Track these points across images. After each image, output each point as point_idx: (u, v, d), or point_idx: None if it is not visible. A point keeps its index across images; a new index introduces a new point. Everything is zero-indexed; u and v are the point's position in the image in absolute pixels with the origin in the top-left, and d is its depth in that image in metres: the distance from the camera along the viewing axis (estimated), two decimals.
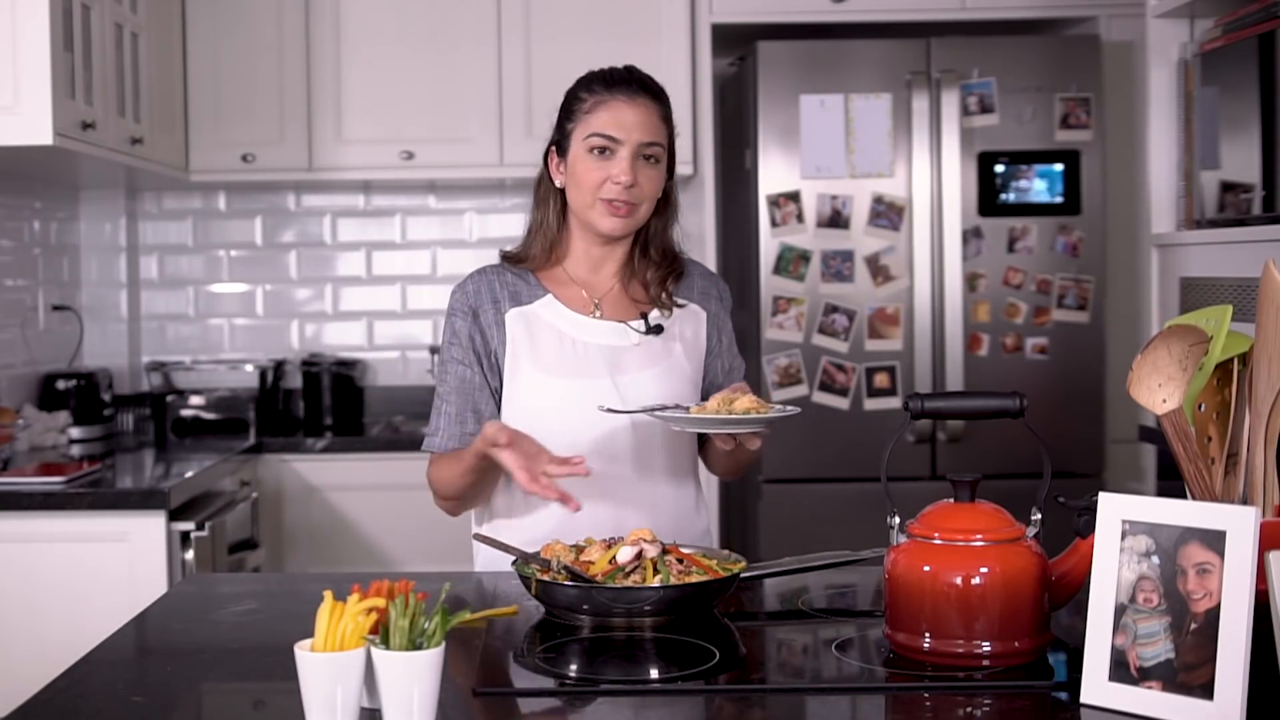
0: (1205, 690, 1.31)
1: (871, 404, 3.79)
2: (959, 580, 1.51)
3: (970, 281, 3.80)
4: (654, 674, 1.58)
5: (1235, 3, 2.79)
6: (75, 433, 3.82)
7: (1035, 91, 3.79)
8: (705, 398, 2.12)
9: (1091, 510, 1.45)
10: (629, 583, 1.70)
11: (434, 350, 4.32)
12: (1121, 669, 1.37)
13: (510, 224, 4.37)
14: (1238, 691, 1.30)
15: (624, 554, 1.73)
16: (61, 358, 4.09)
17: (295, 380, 4.29)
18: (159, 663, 1.69)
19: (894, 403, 3.78)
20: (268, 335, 4.40)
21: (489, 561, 2.09)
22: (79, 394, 3.87)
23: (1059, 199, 3.80)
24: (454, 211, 4.43)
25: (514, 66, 4.00)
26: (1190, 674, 1.33)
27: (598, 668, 1.59)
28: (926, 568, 1.53)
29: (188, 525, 3.05)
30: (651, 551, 1.74)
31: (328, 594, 1.32)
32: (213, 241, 4.41)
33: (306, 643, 1.31)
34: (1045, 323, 3.81)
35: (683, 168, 3.87)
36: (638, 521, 2.02)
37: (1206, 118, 2.88)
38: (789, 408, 1.90)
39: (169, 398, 4.07)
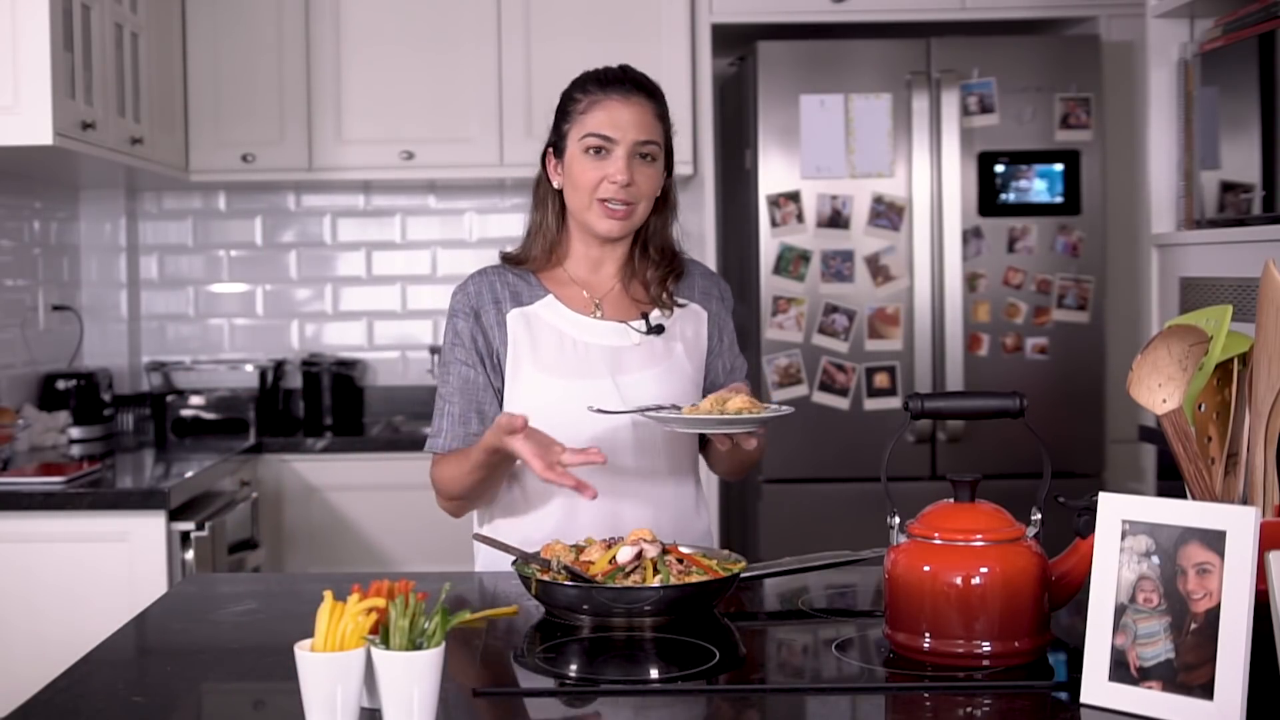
0: (1205, 690, 1.31)
1: (871, 404, 3.79)
2: (959, 580, 1.51)
3: (970, 281, 3.80)
4: (654, 674, 1.58)
5: (1235, 3, 2.79)
6: (75, 433, 3.82)
7: (1035, 91, 3.79)
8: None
9: (1091, 510, 1.45)
10: (629, 583, 1.70)
11: (434, 350, 4.33)
12: (1121, 669, 1.37)
13: (510, 224, 4.37)
14: (1238, 691, 1.30)
15: (624, 554, 1.73)
16: (61, 358, 4.09)
17: (295, 380, 4.29)
18: (159, 663, 1.69)
19: (894, 403, 3.78)
20: (268, 335, 4.40)
21: (489, 561, 2.09)
22: (79, 394, 3.87)
23: (1059, 199, 3.80)
24: (454, 211, 4.43)
25: (514, 66, 4.00)
26: (1190, 674, 1.33)
27: (598, 668, 1.59)
28: (926, 568, 1.53)
29: (188, 525, 3.05)
30: (651, 551, 1.74)
31: (328, 594, 1.32)
32: (213, 241, 4.41)
33: (306, 643, 1.31)
34: (1045, 323, 3.81)
35: (683, 168, 3.89)
36: (638, 521, 2.02)
37: (1206, 118, 2.88)
38: (783, 407, 1.90)
39: (169, 398, 4.07)
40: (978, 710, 1.41)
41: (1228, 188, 2.81)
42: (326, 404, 4.21)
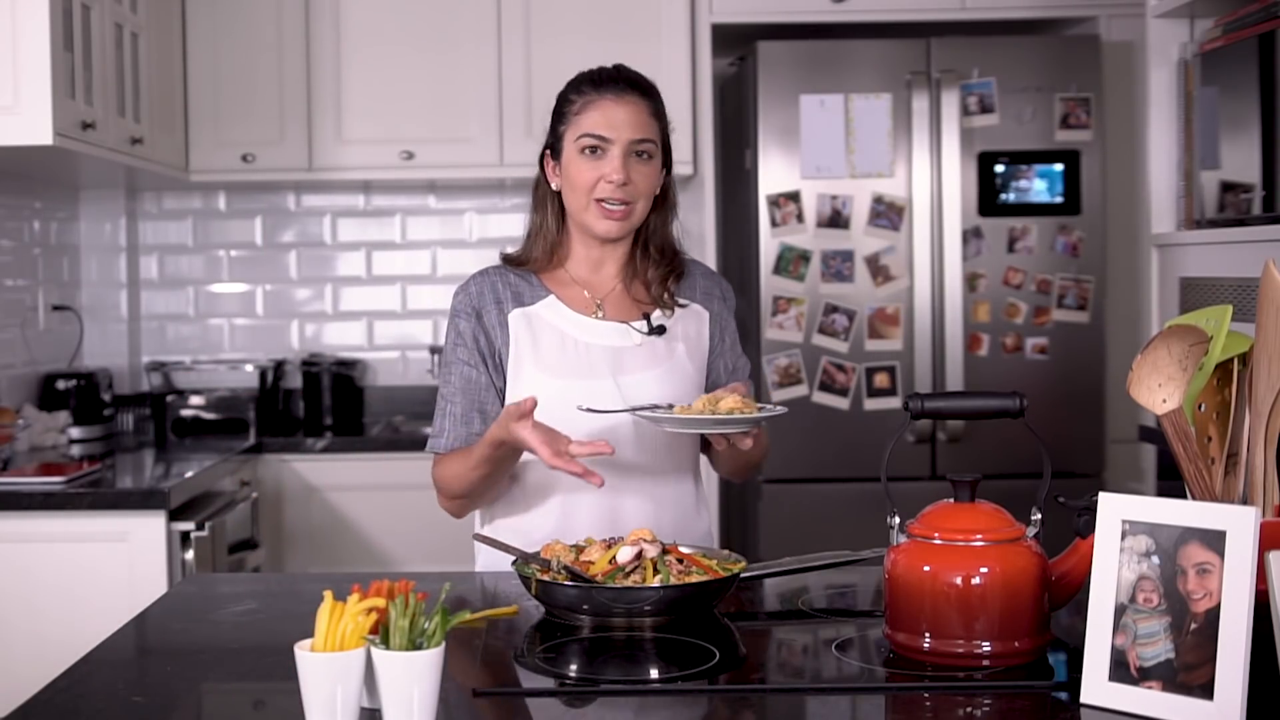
0: (1205, 690, 1.31)
1: (871, 404, 3.79)
2: (959, 580, 1.51)
3: (970, 281, 3.80)
4: (654, 674, 1.58)
5: (1235, 3, 2.79)
6: (75, 433, 3.82)
7: (1035, 91, 3.79)
8: None
9: (1091, 510, 1.45)
10: (629, 583, 1.70)
11: (434, 350, 4.33)
12: (1121, 669, 1.37)
13: (510, 224, 4.37)
14: (1238, 691, 1.30)
15: (624, 554, 1.73)
16: (61, 358, 4.09)
17: (295, 380, 4.30)
18: (159, 663, 1.69)
19: (894, 403, 3.78)
20: (268, 335, 4.41)
21: (489, 562, 2.09)
22: (79, 394, 3.87)
23: (1059, 199, 3.80)
24: (454, 211, 4.43)
25: (514, 66, 4.00)
26: (1190, 674, 1.33)
27: (598, 668, 1.59)
28: (926, 568, 1.53)
29: (188, 525, 3.05)
30: (651, 551, 1.74)
31: (328, 594, 1.32)
32: (213, 241, 4.41)
33: (306, 643, 1.31)
34: (1045, 323, 3.81)
35: (683, 168, 3.89)
36: (639, 521, 2.02)
37: (1206, 118, 2.88)
38: (776, 407, 1.90)
39: (169, 398, 4.07)
40: (978, 710, 1.41)
41: (1228, 188, 2.81)
42: (326, 404, 4.21)
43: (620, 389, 2.03)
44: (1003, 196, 3.80)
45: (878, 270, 3.78)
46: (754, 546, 3.84)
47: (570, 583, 1.69)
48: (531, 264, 2.13)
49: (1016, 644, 1.51)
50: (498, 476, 2.02)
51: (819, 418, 3.78)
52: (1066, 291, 3.81)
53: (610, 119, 2.04)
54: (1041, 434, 1.66)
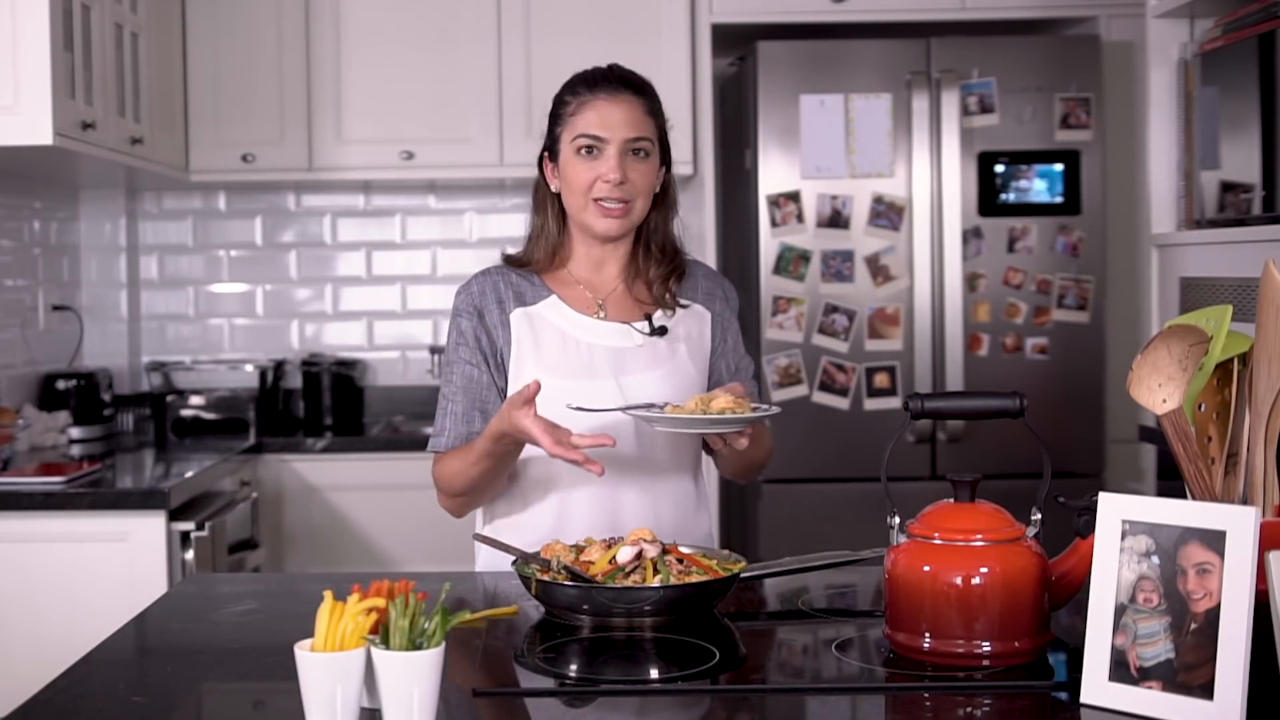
0: (1205, 690, 1.31)
1: (871, 404, 3.79)
2: (959, 580, 1.51)
3: (970, 281, 3.80)
4: (654, 674, 1.58)
5: (1235, 3, 2.79)
6: (75, 433, 3.82)
7: (1035, 91, 3.79)
8: None
9: (1091, 510, 1.45)
10: (629, 583, 1.70)
11: (434, 350, 4.33)
12: (1121, 669, 1.37)
13: (510, 224, 4.37)
14: (1238, 691, 1.30)
15: (624, 554, 1.73)
16: (61, 358, 4.09)
17: (295, 380, 4.30)
18: (159, 663, 1.69)
19: (894, 403, 3.78)
20: (268, 335, 4.41)
21: (489, 562, 2.09)
22: (79, 394, 3.87)
23: (1059, 199, 3.80)
24: (454, 211, 4.43)
25: (514, 66, 4.00)
26: (1190, 674, 1.33)
27: (598, 668, 1.59)
28: (926, 568, 1.53)
29: (188, 525, 3.05)
30: (651, 551, 1.74)
31: (328, 594, 1.32)
32: (213, 241, 4.41)
33: (306, 643, 1.31)
34: (1045, 323, 3.81)
35: (683, 168, 3.89)
36: (639, 521, 2.02)
37: (1206, 118, 2.88)
38: (770, 407, 1.90)
39: (169, 398, 4.07)
40: (978, 710, 1.41)
41: (1228, 188, 2.81)
42: (326, 404, 4.21)
43: (622, 389, 2.03)
44: (1003, 196, 3.80)
45: (878, 270, 3.78)
46: (754, 546, 3.84)
47: (570, 583, 1.69)
48: (533, 265, 2.13)
49: (1016, 644, 1.51)
50: (498, 472, 2.02)
51: (819, 418, 3.78)
52: (1066, 291, 3.81)
53: (605, 118, 2.04)
54: (1041, 434, 1.66)
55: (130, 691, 1.52)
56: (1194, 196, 2.95)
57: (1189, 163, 2.97)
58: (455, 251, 4.42)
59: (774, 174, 3.78)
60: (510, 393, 2.07)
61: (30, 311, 3.90)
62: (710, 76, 4.05)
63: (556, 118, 2.10)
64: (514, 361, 2.07)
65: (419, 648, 1.30)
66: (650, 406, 1.93)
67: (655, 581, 1.70)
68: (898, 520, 1.59)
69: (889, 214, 3.78)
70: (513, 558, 1.79)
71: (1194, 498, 1.57)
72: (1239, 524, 1.32)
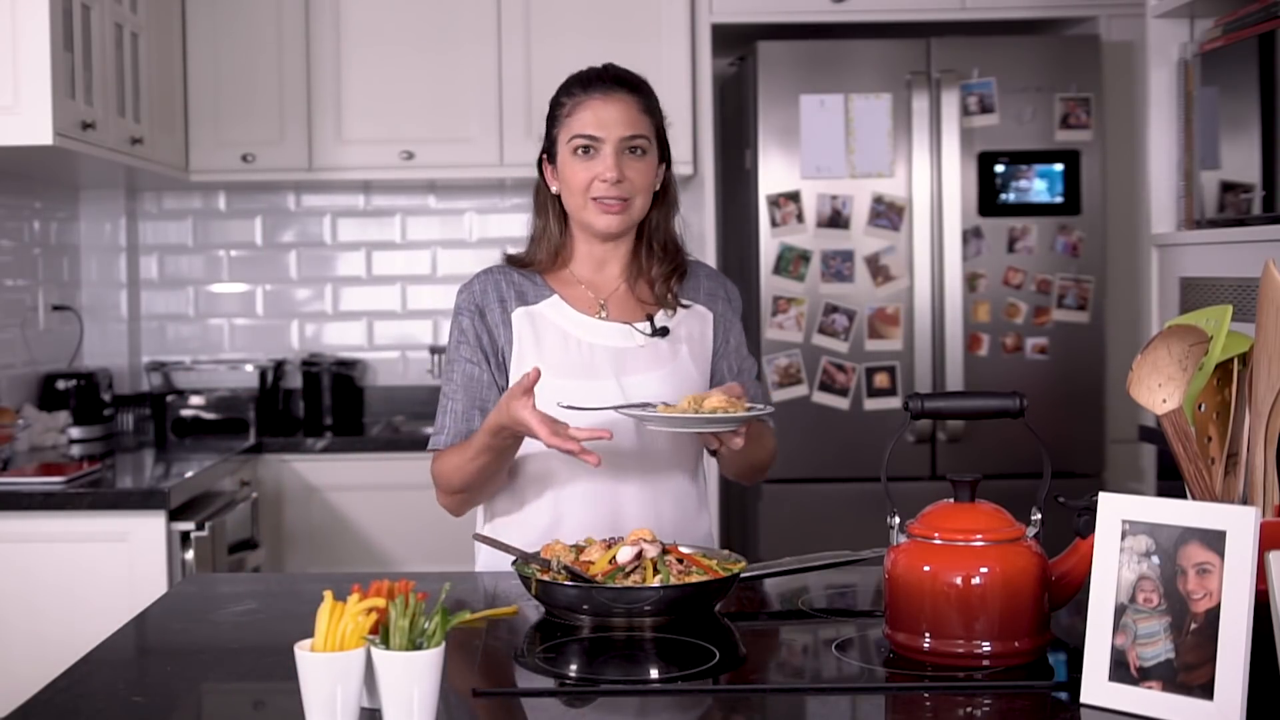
0: (1205, 690, 1.31)
1: (871, 404, 3.79)
2: (959, 580, 1.51)
3: (970, 281, 3.80)
4: (654, 674, 1.58)
5: (1235, 3, 2.79)
6: (75, 433, 3.82)
7: (1035, 91, 3.79)
8: None
9: (1091, 510, 1.45)
10: (629, 583, 1.70)
11: (434, 350, 4.33)
12: (1121, 669, 1.37)
13: (510, 224, 4.37)
14: (1238, 691, 1.30)
15: (624, 554, 1.73)
16: (61, 358, 4.09)
17: (295, 380, 4.30)
18: (159, 663, 1.69)
19: (894, 403, 3.78)
20: (268, 335, 4.41)
21: (489, 562, 2.09)
22: (79, 394, 3.87)
23: (1059, 199, 3.80)
24: (454, 211, 4.43)
25: (514, 66, 4.00)
26: (1190, 674, 1.33)
27: (598, 668, 1.59)
28: (926, 568, 1.53)
29: (188, 525, 3.05)
30: (651, 551, 1.74)
31: (328, 594, 1.32)
32: (213, 241, 4.41)
33: (306, 643, 1.31)
34: (1045, 323, 3.81)
35: (683, 168, 3.89)
36: (639, 521, 2.02)
37: (1206, 118, 2.88)
38: (764, 407, 1.90)
39: (169, 398, 4.07)
40: (978, 710, 1.41)
41: (1228, 188, 2.81)
42: (326, 404, 4.21)
43: (623, 390, 2.03)
44: (1003, 196, 3.80)
45: (878, 270, 3.78)
46: (754, 546, 3.84)
47: (570, 583, 1.69)
48: (535, 265, 2.14)
49: (1016, 644, 1.51)
50: (496, 468, 2.02)
51: (819, 418, 3.78)
52: (1066, 291, 3.81)
53: (600, 118, 2.04)
54: (1041, 434, 1.66)
55: (130, 691, 1.52)
56: (1194, 196, 2.95)
57: (1189, 163, 2.97)
58: (455, 251, 4.42)
59: (774, 174, 3.78)
60: None
61: (30, 311, 3.90)
62: (710, 76, 4.05)
63: (553, 119, 2.11)
64: (515, 360, 2.07)
65: (419, 648, 1.30)
66: (645, 406, 1.93)
67: (655, 581, 1.70)
68: (898, 520, 1.59)
69: (889, 214, 3.78)
70: (513, 558, 1.79)
71: (1194, 498, 1.57)
72: (1239, 524, 1.32)
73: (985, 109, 3.79)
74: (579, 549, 1.81)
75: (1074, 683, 1.43)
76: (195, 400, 4.07)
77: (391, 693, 1.29)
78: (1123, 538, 1.40)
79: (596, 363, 2.06)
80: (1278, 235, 2.51)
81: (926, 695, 1.46)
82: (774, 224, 3.78)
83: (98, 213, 4.31)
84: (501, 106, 4.00)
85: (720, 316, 2.18)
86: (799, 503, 3.79)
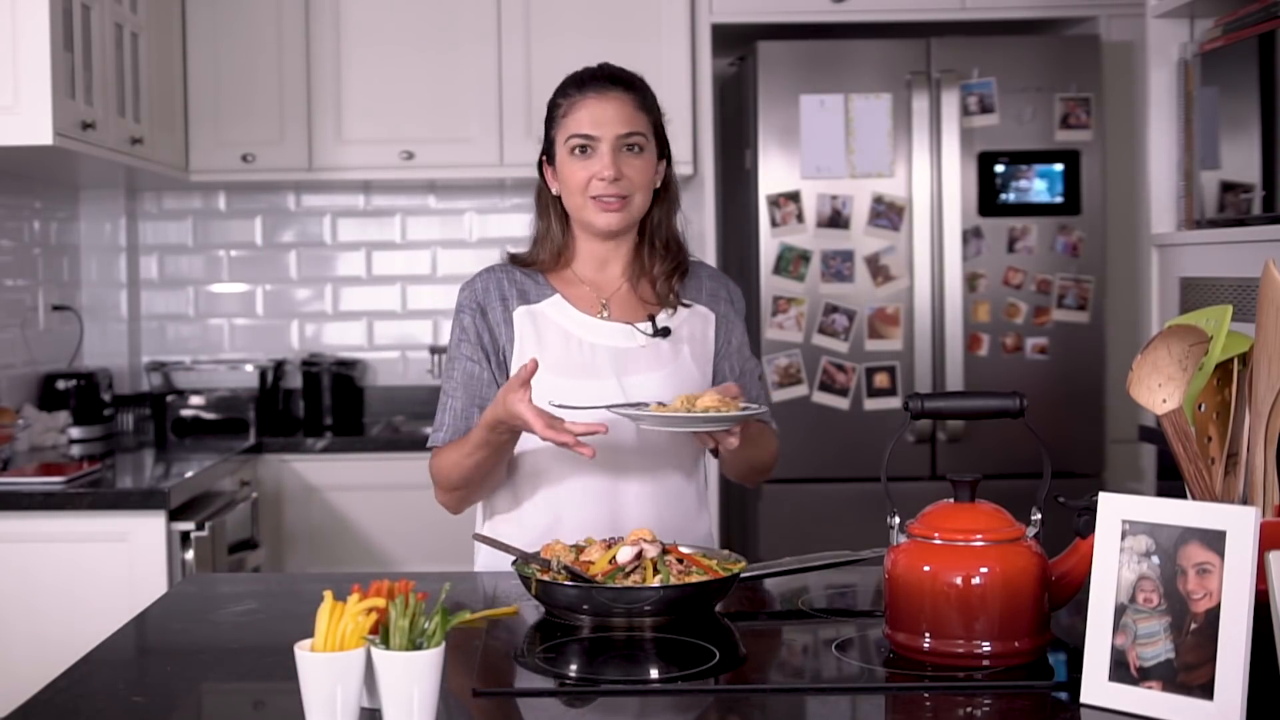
0: (1205, 690, 1.31)
1: (871, 404, 3.79)
2: (959, 580, 1.51)
3: (970, 281, 3.80)
4: (654, 674, 1.58)
5: (1235, 3, 2.79)
6: (75, 433, 3.82)
7: (1035, 91, 3.79)
8: None
9: (1091, 510, 1.45)
10: (629, 583, 1.70)
11: (434, 350, 4.33)
12: (1121, 669, 1.37)
13: (510, 224, 4.37)
14: (1238, 691, 1.30)
15: (624, 554, 1.73)
16: (61, 358, 4.09)
17: (295, 380, 4.30)
18: (159, 663, 1.69)
19: (894, 403, 3.78)
20: (268, 335, 4.41)
21: (489, 562, 2.09)
22: (79, 394, 3.87)
23: (1059, 199, 3.80)
24: (454, 211, 4.43)
25: (514, 66, 4.00)
26: (1190, 674, 1.33)
27: (598, 668, 1.59)
28: (926, 568, 1.53)
29: (188, 525, 3.05)
30: (651, 551, 1.74)
31: (328, 594, 1.32)
32: (213, 241, 4.41)
33: (306, 643, 1.31)
34: (1045, 323, 3.81)
35: (683, 168, 3.89)
36: (639, 521, 2.02)
37: (1206, 118, 2.88)
38: (757, 407, 1.90)
39: (169, 398, 4.07)
40: (978, 710, 1.41)
41: (1228, 188, 2.81)
42: (326, 404, 4.21)
43: (624, 390, 2.03)
44: (1003, 196, 3.80)
45: (878, 270, 3.78)
46: (754, 546, 3.84)
47: (570, 583, 1.69)
48: (538, 264, 2.14)
49: (1016, 644, 1.51)
50: (493, 463, 2.01)
51: (819, 418, 3.78)
52: (1066, 291, 3.81)
53: (595, 117, 2.05)
54: (1041, 434, 1.66)
55: (130, 691, 1.52)
56: (1194, 196, 2.95)
57: (1189, 163, 2.97)
58: (455, 251, 4.42)
59: (774, 174, 3.78)
60: None
61: (30, 311, 3.90)
62: (710, 76, 4.05)
63: (550, 121, 2.12)
64: (516, 359, 2.07)
65: (419, 648, 1.30)
66: (639, 405, 1.93)
67: (655, 581, 1.70)
68: (898, 520, 1.59)
69: (889, 214, 3.78)
70: (512, 558, 1.79)
71: (1194, 498, 1.57)
72: (1239, 524, 1.32)
73: (985, 109, 3.79)
74: (579, 549, 1.81)
75: (1074, 683, 1.43)
76: (195, 400, 4.07)
77: (391, 693, 1.29)
78: (1123, 538, 1.40)
79: (598, 362, 2.06)
80: (1278, 235, 2.51)
81: (926, 695, 1.46)
82: (774, 224, 3.78)
83: (98, 213, 4.31)
84: (501, 106, 4.00)
85: (722, 317, 2.18)
86: (799, 503, 3.79)
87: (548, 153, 2.12)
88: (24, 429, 3.50)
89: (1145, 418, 3.23)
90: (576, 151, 2.05)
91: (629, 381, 2.05)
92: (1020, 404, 1.63)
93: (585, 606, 1.69)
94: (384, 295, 4.43)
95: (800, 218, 3.77)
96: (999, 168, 3.79)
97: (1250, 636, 1.30)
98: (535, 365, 1.86)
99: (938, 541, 1.54)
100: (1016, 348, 3.81)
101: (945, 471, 3.37)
